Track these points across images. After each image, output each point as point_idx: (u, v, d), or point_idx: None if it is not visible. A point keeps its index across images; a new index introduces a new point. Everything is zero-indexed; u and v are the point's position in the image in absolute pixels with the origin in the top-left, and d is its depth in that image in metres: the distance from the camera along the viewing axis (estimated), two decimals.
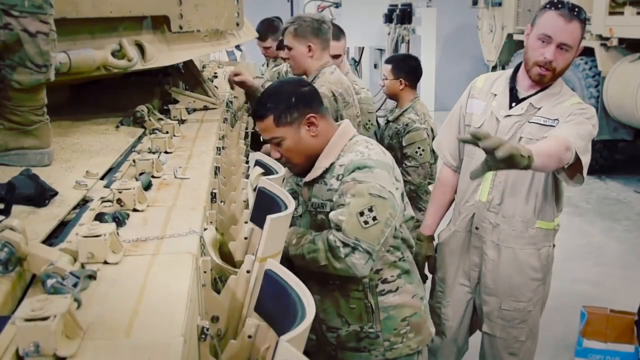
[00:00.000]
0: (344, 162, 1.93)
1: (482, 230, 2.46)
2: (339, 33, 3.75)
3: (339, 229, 1.85)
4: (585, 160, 2.17)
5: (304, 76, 2.94)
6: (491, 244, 2.45)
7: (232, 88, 3.39)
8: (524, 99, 2.33)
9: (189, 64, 3.10)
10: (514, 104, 2.35)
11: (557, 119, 2.24)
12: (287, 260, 1.92)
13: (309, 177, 1.99)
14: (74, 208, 1.47)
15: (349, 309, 2.02)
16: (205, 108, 2.96)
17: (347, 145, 1.98)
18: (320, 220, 1.99)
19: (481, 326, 2.62)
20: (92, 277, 1.06)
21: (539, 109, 2.29)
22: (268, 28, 4.51)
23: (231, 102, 3.40)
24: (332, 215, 1.88)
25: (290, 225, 1.95)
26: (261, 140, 3.99)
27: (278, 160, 1.97)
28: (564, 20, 2.12)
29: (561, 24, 2.12)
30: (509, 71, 2.45)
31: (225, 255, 1.59)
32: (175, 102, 2.96)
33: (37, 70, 1.63)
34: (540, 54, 2.19)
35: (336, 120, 2.71)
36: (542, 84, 2.28)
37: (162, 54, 2.52)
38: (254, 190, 1.82)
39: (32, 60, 1.61)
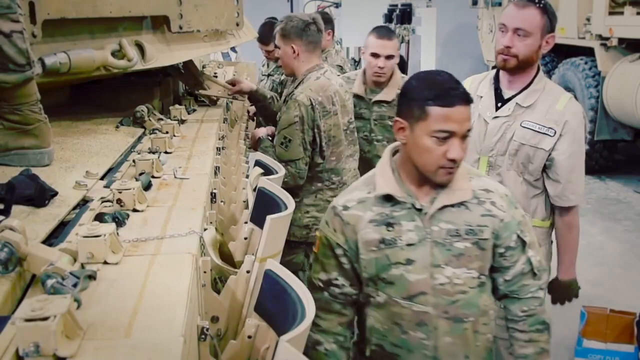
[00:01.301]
0: (481, 185, 1.73)
1: None
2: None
3: (536, 274, 1.77)
4: (583, 190, 2.43)
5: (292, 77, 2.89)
6: None
7: (234, 98, 3.32)
8: (509, 99, 2.35)
9: (189, 64, 3.10)
10: (499, 104, 2.38)
11: (552, 128, 2.27)
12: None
13: (450, 199, 1.66)
14: (74, 208, 1.47)
15: (475, 347, 1.78)
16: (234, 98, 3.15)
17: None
18: (463, 249, 1.67)
19: None
20: (92, 277, 1.06)
21: (527, 107, 2.32)
22: (270, 31, 4.47)
23: (231, 102, 3.41)
24: (535, 261, 1.76)
25: (392, 256, 1.65)
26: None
27: (452, 165, 1.61)
28: (516, 8, 2.23)
29: (514, 11, 2.24)
30: (493, 72, 2.47)
31: (225, 255, 1.59)
32: (178, 102, 2.96)
33: (21, 70, 1.63)
34: (500, 43, 2.28)
35: (312, 130, 2.67)
36: (509, 71, 2.33)
37: (162, 54, 2.52)
38: (254, 190, 1.82)
39: (13, 61, 1.61)
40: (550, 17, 2.24)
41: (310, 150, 2.70)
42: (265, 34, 4.45)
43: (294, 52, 2.74)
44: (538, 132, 2.28)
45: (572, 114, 2.29)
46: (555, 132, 2.26)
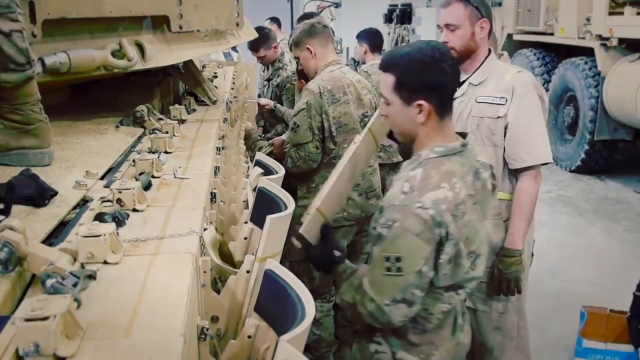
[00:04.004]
0: None
1: None
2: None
3: None
4: (545, 151, 2.49)
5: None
6: None
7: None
8: (464, 81, 2.55)
9: (189, 64, 3.11)
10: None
11: (503, 97, 2.45)
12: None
13: None
14: (74, 208, 1.47)
15: None
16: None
17: None
18: None
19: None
20: (92, 277, 1.06)
21: (478, 85, 2.50)
22: (259, 39, 4.48)
23: (231, 102, 3.41)
24: None
25: None
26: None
27: None
28: (442, 8, 2.49)
29: (441, 11, 2.49)
30: None
31: (225, 255, 1.59)
32: (178, 102, 2.96)
33: (22, 69, 1.63)
34: (442, 41, 2.51)
35: (320, 116, 2.89)
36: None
37: (162, 54, 2.52)
38: (254, 190, 1.82)
39: (13, 61, 1.61)
40: (475, 6, 2.44)
41: (320, 135, 2.89)
42: (255, 42, 4.47)
43: (311, 52, 2.98)
44: (492, 103, 2.47)
45: (520, 82, 2.46)
46: (506, 100, 2.45)
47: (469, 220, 1.70)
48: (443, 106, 1.74)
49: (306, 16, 4.69)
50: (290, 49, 3.20)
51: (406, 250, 1.62)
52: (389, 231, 1.63)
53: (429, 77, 1.68)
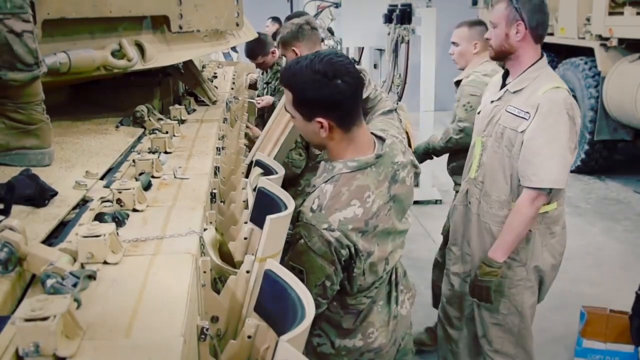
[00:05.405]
0: None
1: (471, 204, 2.64)
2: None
3: None
4: (552, 176, 2.38)
5: None
6: (475, 217, 2.63)
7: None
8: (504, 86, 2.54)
9: (189, 64, 3.10)
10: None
11: (528, 112, 2.38)
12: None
13: None
14: (74, 208, 1.47)
15: None
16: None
17: None
18: None
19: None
20: (91, 277, 1.06)
21: (514, 93, 2.46)
22: (256, 47, 4.48)
23: (231, 102, 3.41)
24: None
25: None
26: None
27: None
28: (493, 4, 2.54)
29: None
30: None
31: (225, 255, 1.59)
32: (178, 102, 2.96)
33: (29, 70, 1.63)
34: (485, 36, 2.60)
35: None
36: (496, 59, 2.61)
37: (162, 54, 2.52)
38: (254, 190, 1.82)
39: (22, 61, 1.62)
40: (516, 7, 2.40)
41: (303, 142, 2.86)
42: (252, 49, 4.47)
43: (297, 55, 2.88)
44: (517, 116, 2.42)
45: (548, 99, 2.37)
46: (530, 116, 2.38)
47: (381, 229, 1.71)
48: (344, 121, 1.69)
49: (295, 15, 4.69)
50: (277, 46, 3.16)
51: (308, 267, 1.64)
52: (295, 244, 1.66)
53: (322, 96, 1.63)
